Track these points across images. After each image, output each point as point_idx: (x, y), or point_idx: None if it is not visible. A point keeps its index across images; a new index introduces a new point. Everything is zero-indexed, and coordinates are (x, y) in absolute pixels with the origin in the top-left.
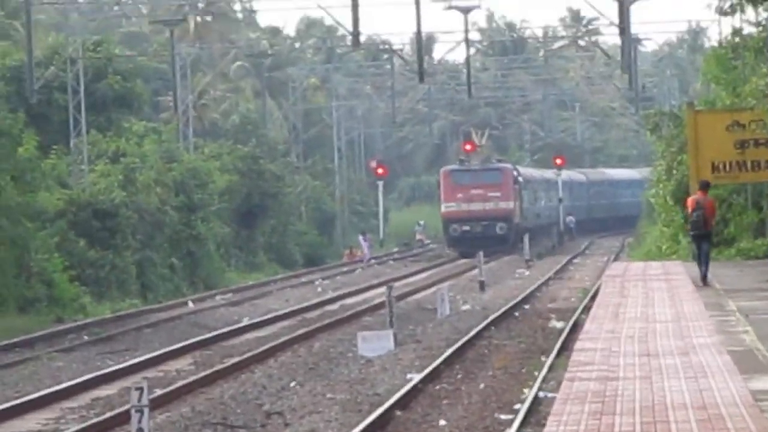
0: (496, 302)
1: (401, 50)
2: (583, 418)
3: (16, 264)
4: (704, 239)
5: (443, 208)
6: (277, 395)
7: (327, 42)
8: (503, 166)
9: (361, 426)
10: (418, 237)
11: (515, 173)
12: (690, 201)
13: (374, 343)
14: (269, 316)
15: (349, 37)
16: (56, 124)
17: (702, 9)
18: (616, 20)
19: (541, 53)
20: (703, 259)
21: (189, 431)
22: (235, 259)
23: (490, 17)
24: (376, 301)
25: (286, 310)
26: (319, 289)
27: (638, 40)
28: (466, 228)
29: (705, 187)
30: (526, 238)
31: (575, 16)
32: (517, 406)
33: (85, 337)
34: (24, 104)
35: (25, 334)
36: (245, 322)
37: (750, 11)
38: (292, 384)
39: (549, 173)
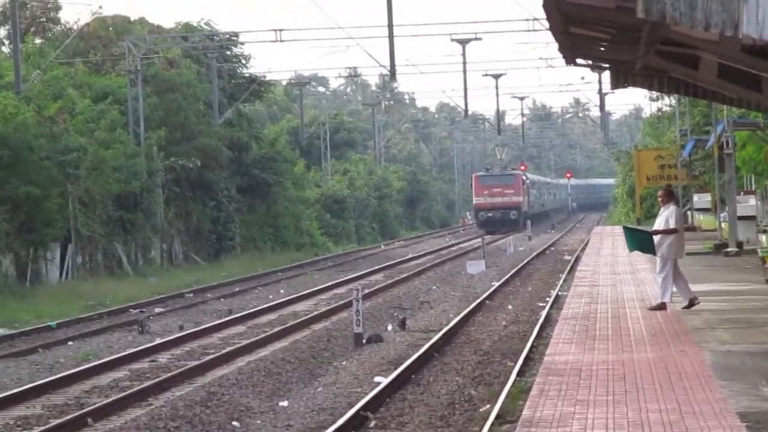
0: (536, 246)
1: (489, 118)
2: (581, 304)
3: (295, 226)
4: None
5: (474, 201)
6: (426, 293)
7: (451, 114)
8: (515, 173)
9: (470, 307)
10: None
11: (524, 177)
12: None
13: (475, 266)
14: (422, 252)
15: (463, 112)
16: (314, 156)
17: (642, 97)
18: (598, 102)
19: (559, 120)
20: None
21: (382, 311)
22: (404, 224)
23: (534, 101)
24: (476, 245)
25: (431, 249)
26: (447, 239)
27: (609, 113)
28: (490, 214)
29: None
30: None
31: (577, 101)
32: (547, 299)
33: (329, 263)
34: (298, 146)
35: (299, 261)
36: (410, 255)
37: (666, 99)
38: (433, 287)
39: (561, 180)
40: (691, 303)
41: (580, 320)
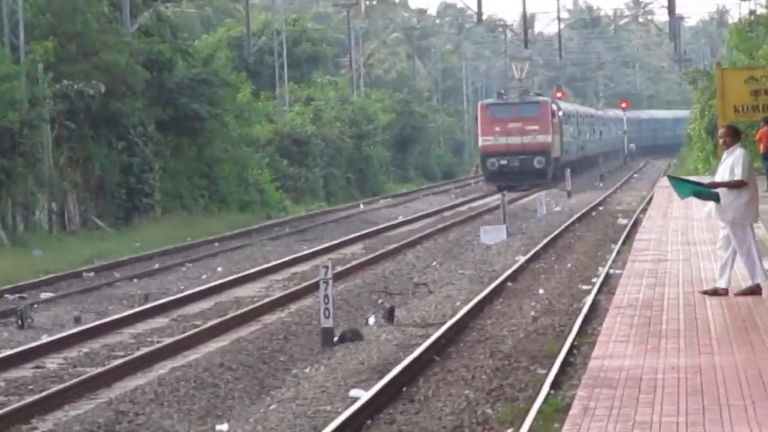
0: (579, 205)
1: (512, 25)
2: (641, 288)
3: (238, 177)
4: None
5: (480, 142)
6: (423, 271)
7: (458, 19)
8: (541, 99)
9: (483, 293)
10: None
11: (554, 107)
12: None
13: (492, 234)
14: (417, 214)
15: (475, 16)
16: (266, 77)
17: None
18: (666, 3)
19: (612, 27)
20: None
21: (360, 297)
22: (392, 174)
23: (575, 1)
24: (493, 204)
25: (430, 210)
26: (453, 196)
27: (681, 18)
28: (504, 162)
29: (766, 121)
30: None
31: (636, 1)
32: (594, 280)
33: (287, 230)
34: (243, 64)
35: (244, 227)
36: (400, 219)
37: None
38: (434, 263)
39: (613, 112)
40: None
41: (640, 310)
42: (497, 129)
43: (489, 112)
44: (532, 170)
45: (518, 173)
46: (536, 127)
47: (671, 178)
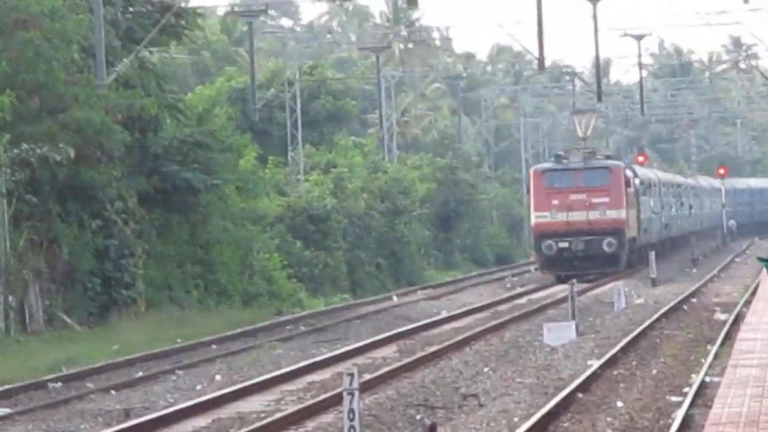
0: (666, 297)
1: (581, 73)
2: (745, 401)
3: (241, 263)
4: None
5: (533, 219)
6: (472, 379)
7: (515, 66)
8: (612, 164)
9: (547, 407)
10: None
11: (629, 173)
12: None
13: (558, 333)
14: (464, 309)
15: (535, 62)
16: (275, 138)
17: None
18: None
19: (706, 75)
20: None
21: (394, 412)
22: (434, 259)
23: (660, 43)
24: (559, 296)
25: (480, 304)
26: (509, 285)
27: None
28: (564, 245)
29: None
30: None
31: (736, 42)
32: (686, 390)
33: (302, 328)
34: (247, 121)
35: (249, 324)
36: (443, 314)
37: None
38: (485, 369)
39: (707, 181)
40: None
41: (744, 427)
42: (555, 202)
43: (545, 181)
44: (601, 255)
45: (582, 259)
46: (606, 200)
47: (763, 260)
